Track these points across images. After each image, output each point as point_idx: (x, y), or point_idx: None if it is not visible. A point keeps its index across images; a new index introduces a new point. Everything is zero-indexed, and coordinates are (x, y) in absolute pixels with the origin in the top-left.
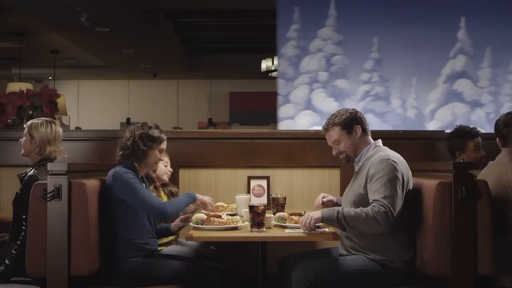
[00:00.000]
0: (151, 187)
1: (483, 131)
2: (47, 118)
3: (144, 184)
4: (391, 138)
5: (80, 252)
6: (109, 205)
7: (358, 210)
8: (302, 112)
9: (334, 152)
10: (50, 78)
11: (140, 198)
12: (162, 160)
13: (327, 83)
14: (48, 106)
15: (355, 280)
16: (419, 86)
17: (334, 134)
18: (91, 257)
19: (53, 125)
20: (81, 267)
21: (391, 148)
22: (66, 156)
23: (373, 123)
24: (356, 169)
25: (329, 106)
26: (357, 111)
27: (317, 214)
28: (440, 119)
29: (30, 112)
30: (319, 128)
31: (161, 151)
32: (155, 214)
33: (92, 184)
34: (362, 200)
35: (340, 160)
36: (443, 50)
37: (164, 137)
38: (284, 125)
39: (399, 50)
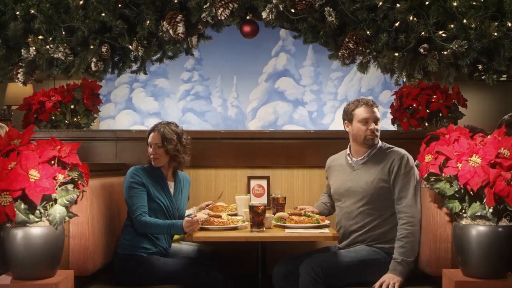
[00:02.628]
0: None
1: (305, 129)
2: None
3: (163, 184)
4: (391, 138)
5: (80, 252)
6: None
7: (402, 241)
8: (123, 111)
9: (374, 127)
10: (50, 78)
11: (128, 203)
12: (153, 153)
13: (147, 82)
14: (90, 99)
15: (361, 270)
16: (240, 84)
17: (379, 113)
18: (91, 257)
19: None
20: (81, 267)
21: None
22: None
23: (193, 122)
24: (360, 162)
25: (149, 105)
26: None
27: (397, 279)
28: (262, 118)
29: (72, 106)
30: (140, 127)
31: (150, 145)
32: (133, 221)
33: (92, 184)
34: (383, 194)
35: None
36: (265, 48)
37: (149, 130)
38: (105, 125)
39: (220, 48)
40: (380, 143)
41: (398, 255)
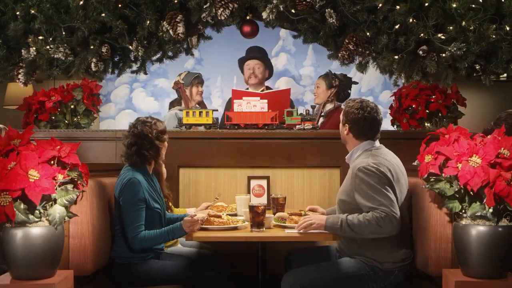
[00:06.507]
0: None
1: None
2: None
3: (158, 189)
4: (391, 138)
5: (80, 252)
6: (118, 204)
7: (360, 217)
8: (123, 111)
9: None
10: (50, 78)
11: (126, 218)
12: None
13: (147, 82)
14: (90, 99)
15: (343, 285)
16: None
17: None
18: (91, 257)
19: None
20: (81, 267)
21: (390, 149)
22: None
23: None
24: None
25: (150, 105)
26: (363, 112)
27: (321, 221)
28: None
29: (72, 106)
30: None
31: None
32: (129, 240)
33: (92, 184)
34: (347, 207)
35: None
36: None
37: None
38: (105, 125)
39: (220, 48)
40: (360, 149)
41: (346, 219)
